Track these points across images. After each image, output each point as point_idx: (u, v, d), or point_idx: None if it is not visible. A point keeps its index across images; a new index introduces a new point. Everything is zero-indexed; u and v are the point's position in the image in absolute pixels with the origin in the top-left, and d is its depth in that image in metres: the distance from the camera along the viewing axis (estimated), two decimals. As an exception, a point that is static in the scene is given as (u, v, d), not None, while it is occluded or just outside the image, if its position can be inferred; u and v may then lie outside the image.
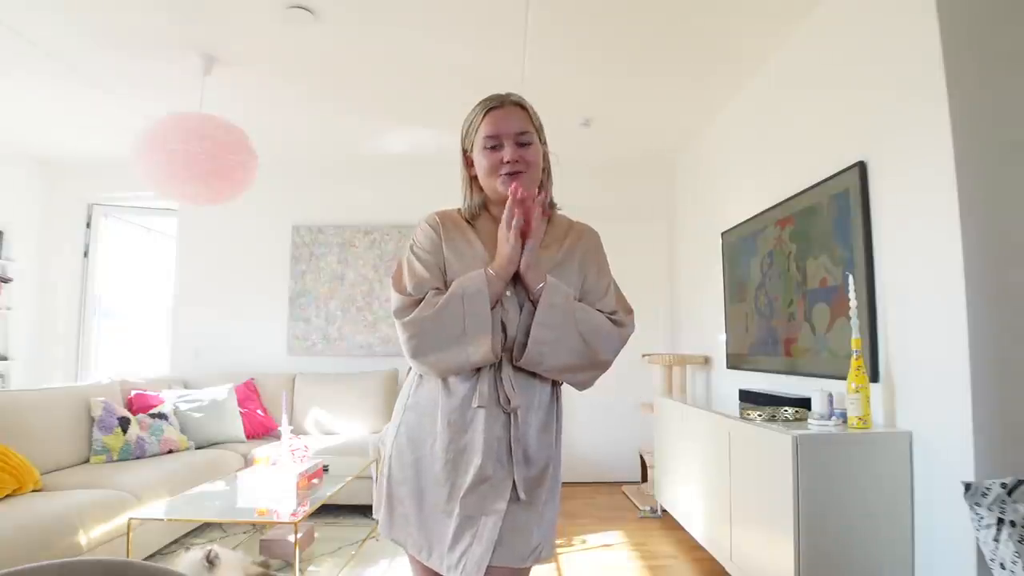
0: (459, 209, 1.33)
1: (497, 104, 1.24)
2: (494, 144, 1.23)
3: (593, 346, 1.22)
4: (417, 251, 1.27)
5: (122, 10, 2.62)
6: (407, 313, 1.20)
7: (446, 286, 1.22)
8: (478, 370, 1.19)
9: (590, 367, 1.25)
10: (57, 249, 4.69)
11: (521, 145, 1.23)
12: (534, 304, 1.20)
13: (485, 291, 1.16)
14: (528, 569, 1.20)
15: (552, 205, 1.33)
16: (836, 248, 2.39)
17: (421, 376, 1.27)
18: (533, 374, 1.23)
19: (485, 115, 1.24)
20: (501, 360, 1.20)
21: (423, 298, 1.21)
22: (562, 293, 1.21)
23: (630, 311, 1.33)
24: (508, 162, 1.22)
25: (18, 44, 2.89)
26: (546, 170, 1.32)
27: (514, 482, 1.18)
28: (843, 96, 2.38)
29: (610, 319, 1.27)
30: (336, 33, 2.82)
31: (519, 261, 1.19)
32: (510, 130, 1.22)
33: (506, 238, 1.19)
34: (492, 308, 1.18)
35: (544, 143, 1.31)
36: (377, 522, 1.30)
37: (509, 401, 1.18)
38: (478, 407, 1.18)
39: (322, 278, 4.67)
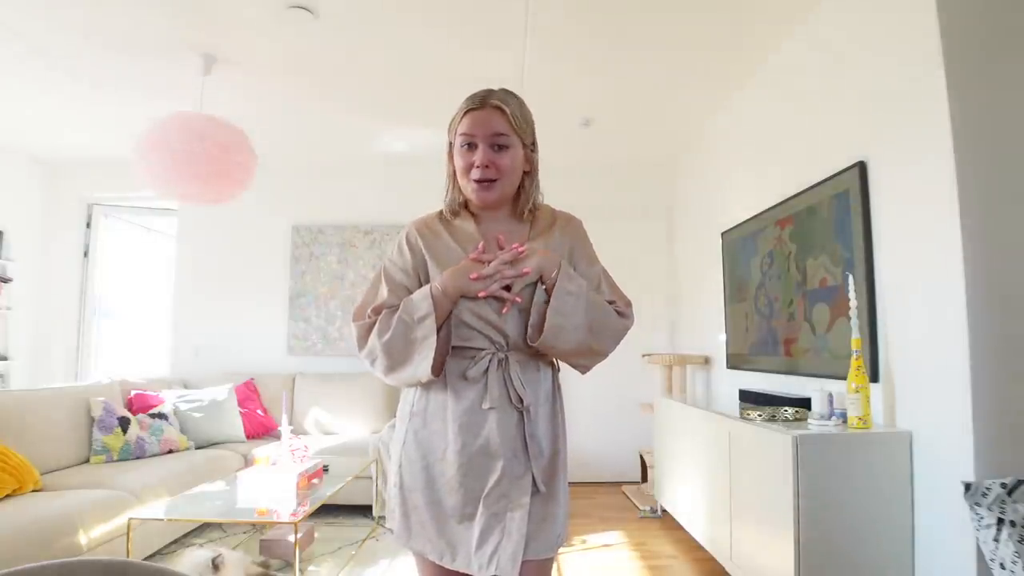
0: (440, 211, 1.34)
1: (477, 105, 1.23)
2: (469, 143, 1.23)
3: (597, 337, 1.25)
4: (389, 266, 1.29)
5: (122, 11, 2.62)
6: (363, 344, 1.24)
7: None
8: (485, 371, 1.20)
9: (588, 355, 1.28)
10: (57, 249, 4.69)
11: (497, 148, 1.22)
12: (546, 291, 1.21)
13: (432, 316, 1.17)
14: (553, 558, 1.22)
15: (534, 208, 1.32)
16: (836, 248, 2.38)
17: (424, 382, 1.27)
18: (537, 368, 1.25)
19: (464, 114, 1.23)
20: (508, 359, 1.21)
21: (376, 320, 1.23)
22: (576, 282, 1.23)
23: (629, 303, 1.34)
24: (479, 166, 1.21)
25: (18, 45, 2.89)
26: (530, 173, 1.30)
27: (533, 476, 1.19)
28: (843, 96, 2.38)
29: (615, 311, 1.29)
30: (336, 33, 2.82)
31: (470, 292, 1.19)
32: (484, 131, 1.21)
33: (468, 268, 1.19)
34: (442, 324, 1.19)
35: (529, 146, 1.28)
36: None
37: (522, 400, 1.20)
38: (490, 408, 1.18)
39: (322, 278, 4.67)
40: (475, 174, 1.22)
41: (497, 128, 1.21)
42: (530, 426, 1.21)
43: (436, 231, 1.29)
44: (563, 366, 1.34)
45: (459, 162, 1.25)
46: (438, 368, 1.19)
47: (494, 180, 1.23)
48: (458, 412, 1.20)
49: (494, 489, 1.17)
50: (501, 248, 1.23)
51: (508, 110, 1.22)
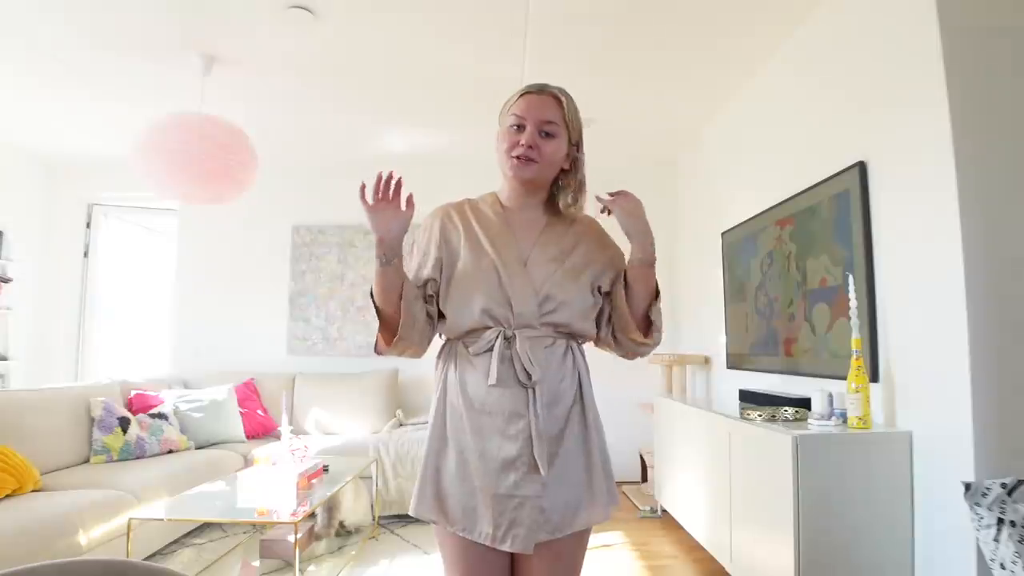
0: (469, 198, 1.37)
1: (535, 90, 1.25)
2: (518, 124, 1.23)
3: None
4: (411, 245, 1.31)
5: (122, 10, 2.62)
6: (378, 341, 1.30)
7: (441, 274, 1.27)
8: (491, 349, 1.19)
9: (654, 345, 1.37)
10: (57, 249, 4.69)
11: (544, 135, 1.23)
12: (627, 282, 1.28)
13: (379, 271, 1.20)
14: (577, 538, 1.28)
15: (575, 207, 1.35)
16: (836, 248, 2.39)
17: (448, 353, 1.28)
18: (546, 345, 1.22)
19: (520, 96, 1.25)
20: (515, 335, 1.20)
21: None
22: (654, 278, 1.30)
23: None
24: (523, 145, 1.21)
25: (18, 44, 2.89)
26: (570, 172, 1.33)
27: (539, 456, 1.17)
28: (843, 96, 2.38)
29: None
30: (336, 33, 2.82)
31: (393, 235, 1.21)
32: (536, 115, 1.22)
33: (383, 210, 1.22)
34: (402, 292, 1.21)
35: (575, 145, 1.30)
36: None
37: (530, 376, 1.18)
38: (493, 385, 1.18)
39: (322, 278, 4.67)
40: (517, 151, 1.22)
41: (548, 115, 1.23)
42: (539, 402, 1.18)
43: (461, 211, 1.32)
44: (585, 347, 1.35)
45: (504, 143, 1.25)
46: (391, 325, 1.22)
47: (536, 161, 1.23)
48: (472, 385, 1.20)
49: (509, 466, 1.16)
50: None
51: (564, 101, 1.26)
